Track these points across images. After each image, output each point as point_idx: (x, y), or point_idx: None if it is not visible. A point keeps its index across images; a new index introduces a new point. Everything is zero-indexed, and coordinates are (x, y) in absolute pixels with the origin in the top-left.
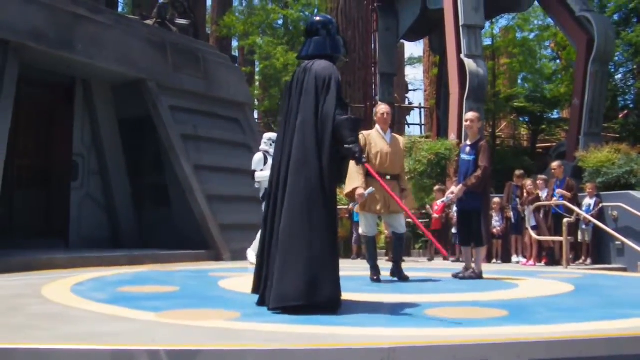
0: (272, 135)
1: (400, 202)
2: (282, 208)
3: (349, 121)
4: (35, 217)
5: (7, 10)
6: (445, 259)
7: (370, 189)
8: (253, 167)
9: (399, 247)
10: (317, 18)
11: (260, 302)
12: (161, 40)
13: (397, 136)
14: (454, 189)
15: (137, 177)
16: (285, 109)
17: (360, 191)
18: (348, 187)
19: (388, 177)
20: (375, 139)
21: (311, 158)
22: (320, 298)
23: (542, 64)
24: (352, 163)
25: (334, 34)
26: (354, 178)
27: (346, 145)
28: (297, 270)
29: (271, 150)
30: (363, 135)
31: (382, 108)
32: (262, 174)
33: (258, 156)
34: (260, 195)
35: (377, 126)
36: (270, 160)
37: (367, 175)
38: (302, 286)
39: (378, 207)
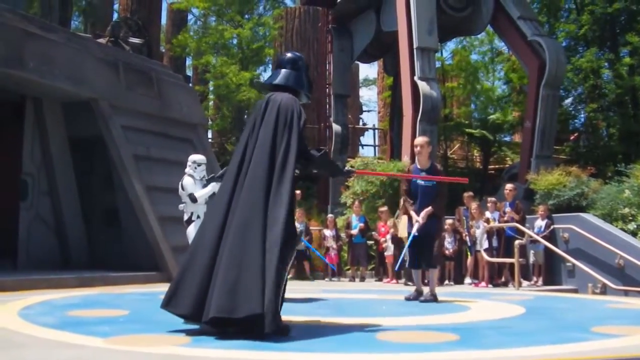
0: (197, 157)
1: None
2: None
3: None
4: None
5: None
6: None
7: None
8: (190, 190)
9: None
10: (288, 54)
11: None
12: (114, 59)
13: None
14: (416, 217)
15: (87, 198)
16: (246, 135)
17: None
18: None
19: None
20: None
21: (259, 190)
22: (240, 314)
23: (488, 87)
24: None
25: (302, 70)
26: None
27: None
28: (227, 284)
29: (195, 174)
30: None
31: None
32: (202, 192)
33: (191, 180)
34: (189, 216)
35: None
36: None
37: None
38: (225, 301)
39: None
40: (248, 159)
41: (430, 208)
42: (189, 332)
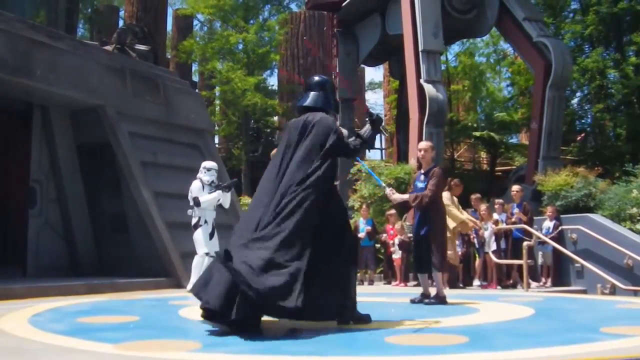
0: (207, 163)
1: None
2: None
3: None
4: None
5: None
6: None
7: None
8: (195, 194)
9: None
10: (316, 78)
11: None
12: (120, 66)
13: None
14: (400, 194)
15: (95, 204)
16: (281, 153)
17: None
18: None
19: None
20: None
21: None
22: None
23: (493, 88)
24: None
25: (329, 91)
26: None
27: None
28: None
29: (204, 177)
30: None
31: None
32: (207, 198)
33: (198, 184)
34: (197, 221)
35: None
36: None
37: None
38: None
39: None
40: (282, 174)
41: (411, 195)
42: (200, 338)
